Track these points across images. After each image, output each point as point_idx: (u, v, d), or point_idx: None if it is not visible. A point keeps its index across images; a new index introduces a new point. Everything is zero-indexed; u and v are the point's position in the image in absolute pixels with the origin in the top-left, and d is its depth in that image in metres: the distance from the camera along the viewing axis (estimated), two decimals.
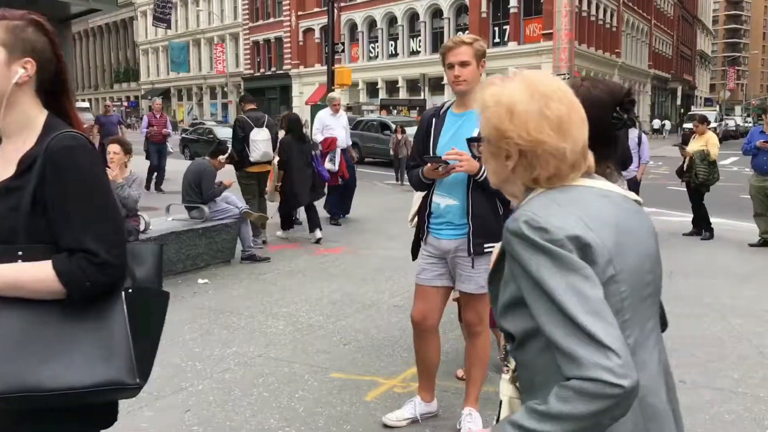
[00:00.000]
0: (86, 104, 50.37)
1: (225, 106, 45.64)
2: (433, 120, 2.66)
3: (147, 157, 10.99)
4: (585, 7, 31.88)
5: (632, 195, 1.17)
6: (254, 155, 6.09)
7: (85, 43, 61.16)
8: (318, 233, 6.69)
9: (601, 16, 33.87)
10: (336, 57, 37.73)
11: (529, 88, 1.04)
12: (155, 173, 11.01)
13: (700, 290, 4.98)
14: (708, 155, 7.16)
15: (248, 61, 44.13)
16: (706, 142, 7.29)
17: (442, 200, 2.60)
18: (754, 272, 5.65)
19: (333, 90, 14.66)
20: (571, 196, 1.05)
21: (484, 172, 2.40)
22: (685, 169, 7.42)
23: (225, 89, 44.53)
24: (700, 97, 61.30)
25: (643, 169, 7.07)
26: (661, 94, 47.15)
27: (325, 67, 37.93)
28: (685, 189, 7.60)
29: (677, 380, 3.32)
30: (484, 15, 31.28)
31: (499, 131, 1.05)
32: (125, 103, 53.09)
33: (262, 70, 43.13)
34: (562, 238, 0.96)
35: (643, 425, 1.02)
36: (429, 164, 2.51)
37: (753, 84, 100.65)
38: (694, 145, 7.45)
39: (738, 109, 64.35)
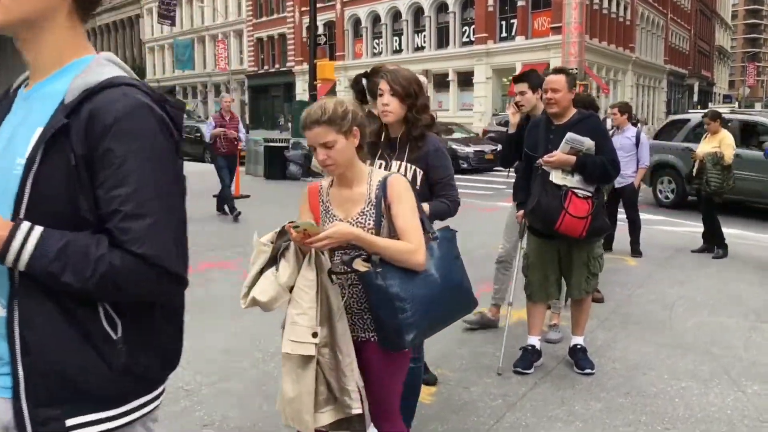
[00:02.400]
0: None
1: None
2: None
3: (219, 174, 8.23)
4: None
5: None
6: None
7: (92, 41, 60.49)
8: None
9: (613, 9, 32.48)
10: (339, 54, 37.20)
11: None
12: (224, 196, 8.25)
13: (708, 334, 3.88)
14: (721, 159, 6.02)
15: (252, 58, 43.52)
16: (720, 142, 6.14)
17: None
18: None
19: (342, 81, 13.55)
20: None
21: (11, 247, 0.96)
22: (694, 175, 6.29)
23: (229, 87, 43.94)
24: (719, 94, 59.37)
25: (641, 174, 5.96)
26: (677, 90, 45.52)
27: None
28: (695, 197, 6.45)
29: None
30: (490, 9, 30.18)
31: None
32: None
33: (266, 67, 42.54)
34: None
35: None
36: None
37: None
38: (705, 147, 6.29)
39: (758, 106, 62.20)
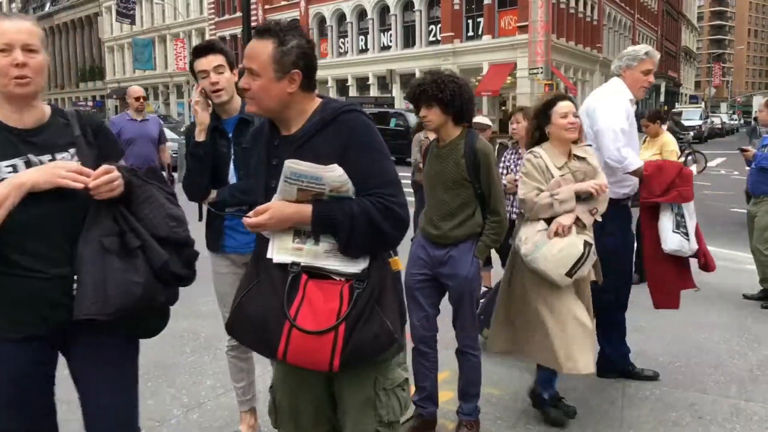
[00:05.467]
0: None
1: (190, 105, 43.70)
2: None
3: None
4: None
5: None
6: None
7: (50, 40, 58.75)
8: None
9: (581, 8, 32.09)
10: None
11: None
12: None
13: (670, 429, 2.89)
14: None
15: None
16: (661, 148, 5.15)
17: None
18: (763, 365, 3.57)
19: None
20: None
21: None
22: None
23: (190, 87, 42.50)
24: (685, 94, 59.94)
25: None
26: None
27: None
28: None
29: None
30: (456, 7, 29.51)
31: None
32: (90, 103, 50.76)
33: None
34: None
35: None
36: None
37: (738, 80, 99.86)
38: (644, 153, 5.20)
39: (723, 106, 62.97)
